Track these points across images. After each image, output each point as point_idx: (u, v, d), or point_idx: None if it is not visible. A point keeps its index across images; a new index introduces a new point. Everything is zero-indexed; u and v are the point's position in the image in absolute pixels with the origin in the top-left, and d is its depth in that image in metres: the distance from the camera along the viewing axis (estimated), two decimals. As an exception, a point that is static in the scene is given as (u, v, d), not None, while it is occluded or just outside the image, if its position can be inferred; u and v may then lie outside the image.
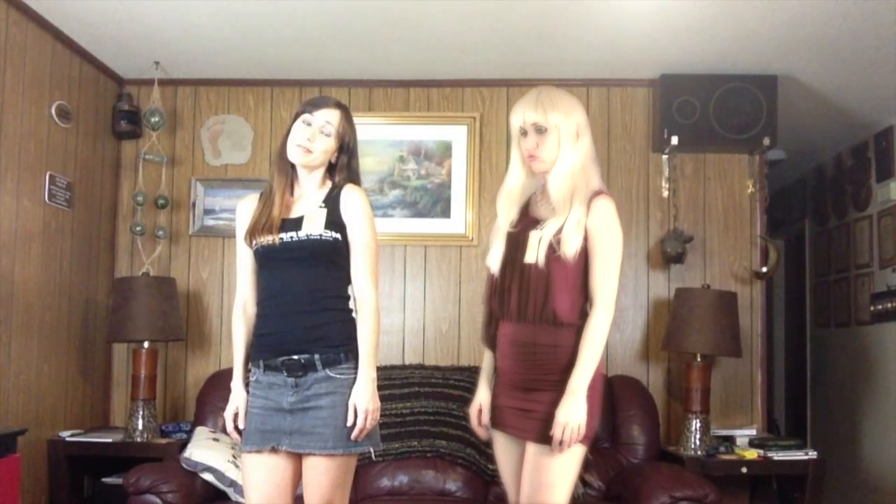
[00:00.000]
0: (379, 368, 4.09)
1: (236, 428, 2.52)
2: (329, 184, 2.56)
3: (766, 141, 4.24)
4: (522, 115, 2.47)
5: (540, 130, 2.45)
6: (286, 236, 2.46)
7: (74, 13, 3.71)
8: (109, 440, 3.94)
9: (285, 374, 2.42)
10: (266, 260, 2.50)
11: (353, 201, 2.49)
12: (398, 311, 4.46)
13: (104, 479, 4.03)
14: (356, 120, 2.64)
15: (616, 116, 4.51)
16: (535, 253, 2.41)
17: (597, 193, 2.45)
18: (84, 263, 4.21)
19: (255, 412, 2.46)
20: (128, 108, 4.44)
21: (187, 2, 3.57)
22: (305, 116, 2.52)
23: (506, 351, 2.52)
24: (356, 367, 2.43)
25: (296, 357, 2.41)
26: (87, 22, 3.81)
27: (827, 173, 5.88)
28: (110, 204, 4.50)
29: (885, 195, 4.94)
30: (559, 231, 2.40)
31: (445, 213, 4.48)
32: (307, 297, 2.43)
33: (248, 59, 4.26)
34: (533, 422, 2.41)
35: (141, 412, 4.00)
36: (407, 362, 4.37)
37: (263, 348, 2.47)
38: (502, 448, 2.57)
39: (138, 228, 4.39)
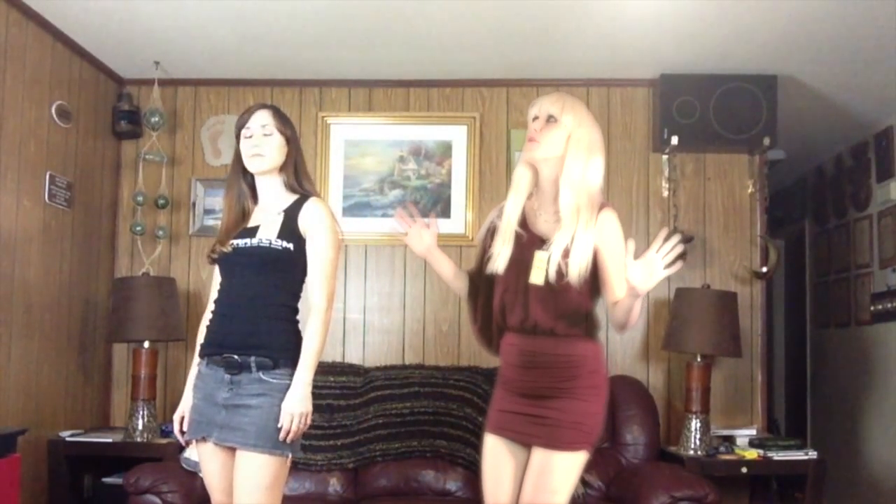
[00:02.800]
0: (379, 368, 4.15)
1: (182, 430, 2.61)
2: (291, 194, 2.61)
3: (766, 141, 4.23)
4: (540, 105, 2.54)
5: (550, 119, 2.50)
6: (240, 242, 2.55)
7: (74, 13, 3.71)
8: (109, 440, 3.94)
9: (224, 370, 2.50)
10: (222, 265, 2.60)
11: (312, 212, 2.54)
12: (398, 311, 4.45)
13: (104, 479, 4.03)
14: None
15: (616, 116, 4.51)
16: (541, 274, 2.44)
17: (601, 206, 2.51)
18: (84, 263, 4.21)
19: (196, 403, 2.57)
20: (128, 108, 4.44)
21: (187, 2, 3.57)
22: (244, 131, 2.60)
23: (514, 361, 2.53)
24: (292, 374, 2.47)
25: (235, 357, 2.48)
26: (87, 22, 3.81)
27: (827, 173, 5.88)
28: (110, 204, 4.50)
29: (885, 195, 4.94)
30: (566, 254, 2.42)
31: (445, 213, 4.47)
32: (250, 302, 2.51)
33: (248, 59, 4.26)
34: (544, 428, 2.43)
35: (141, 412, 4.00)
36: (407, 362, 4.37)
37: (209, 343, 2.57)
38: (500, 452, 2.55)
39: (138, 228, 4.39)
